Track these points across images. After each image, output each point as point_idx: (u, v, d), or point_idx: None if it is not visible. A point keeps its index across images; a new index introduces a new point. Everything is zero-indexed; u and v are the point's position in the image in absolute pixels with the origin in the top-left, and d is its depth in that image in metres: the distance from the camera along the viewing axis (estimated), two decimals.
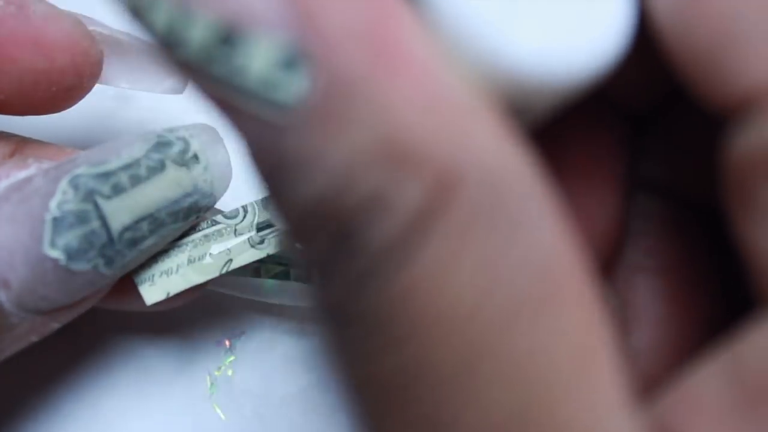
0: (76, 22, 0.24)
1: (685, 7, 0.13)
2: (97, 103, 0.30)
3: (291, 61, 0.12)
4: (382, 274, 0.12)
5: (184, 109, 0.30)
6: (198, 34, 0.12)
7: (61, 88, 0.24)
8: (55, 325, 0.23)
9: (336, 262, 0.13)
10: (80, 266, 0.22)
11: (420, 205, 0.12)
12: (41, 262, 0.21)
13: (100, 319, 0.28)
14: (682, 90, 0.14)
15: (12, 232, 0.21)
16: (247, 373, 0.29)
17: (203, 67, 0.13)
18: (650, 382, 0.18)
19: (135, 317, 0.28)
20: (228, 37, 0.12)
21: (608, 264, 0.19)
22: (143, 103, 0.31)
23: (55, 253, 0.21)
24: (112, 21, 0.25)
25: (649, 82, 0.15)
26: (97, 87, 0.29)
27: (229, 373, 0.29)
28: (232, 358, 0.29)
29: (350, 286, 0.13)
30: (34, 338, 0.23)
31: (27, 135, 0.25)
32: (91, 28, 0.25)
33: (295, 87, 0.12)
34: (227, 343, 0.29)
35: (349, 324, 0.13)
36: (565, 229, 0.13)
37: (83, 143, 0.30)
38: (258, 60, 0.12)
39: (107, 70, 0.25)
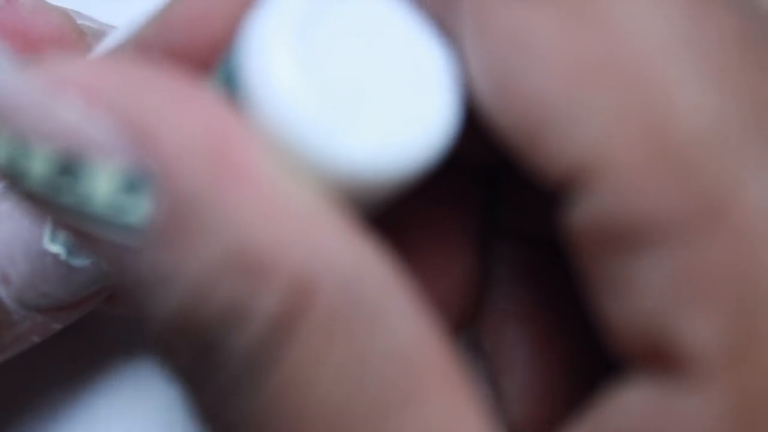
0: (65, 15, 0.24)
1: (502, 90, 0.13)
2: None
3: (134, 184, 0.12)
4: (248, 382, 0.13)
5: None
6: (38, 166, 0.13)
7: None
8: (57, 326, 0.23)
9: (203, 374, 0.13)
10: (81, 262, 0.22)
11: (277, 312, 0.12)
12: (41, 258, 0.21)
13: (99, 319, 0.28)
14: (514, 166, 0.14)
15: (12, 228, 0.21)
16: None
17: (48, 198, 0.13)
18: (523, 427, 0.18)
19: (137, 318, 0.28)
20: (69, 167, 0.12)
21: (474, 313, 0.19)
22: None
23: (56, 248, 0.21)
24: (101, 15, 0.26)
25: (491, 143, 0.14)
26: None
27: None
28: None
29: (219, 396, 0.13)
30: (36, 339, 0.23)
31: None
32: (79, 21, 0.25)
33: (141, 209, 0.12)
34: None
35: (228, 429, 0.13)
36: (427, 316, 0.13)
37: None
38: (101, 186, 0.12)
39: None
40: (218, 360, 0.13)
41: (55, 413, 0.28)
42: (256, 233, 0.12)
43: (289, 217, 0.13)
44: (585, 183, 0.13)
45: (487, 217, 0.19)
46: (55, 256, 0.22)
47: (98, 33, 0.25)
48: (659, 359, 0.13)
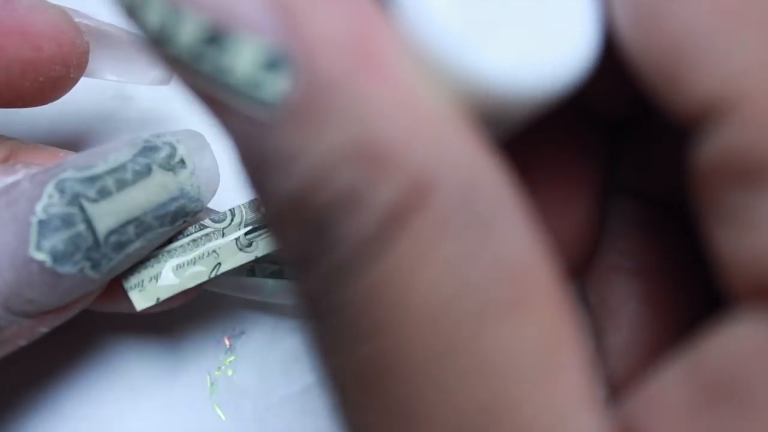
0: (63, 13, 0.24)
1: (644, 23, 0.14)
2: (97, 103, 0.30)
3: (274, 63, 0.13)
4: (357, 267, 0.13)
5: (183, 110, 0.30)
6: (188, 32, 0.13)
7: (48, 78, 0.24)
8: (43, 329, 0.23)
9: (312, 256, 0.13)
10: (66, 269, 0.22)
11: (393, 204, 0.13)
12: (27, 265, 0.22)
13: (99, 319, 0.28)
14: (648, 102, 0.15)
15: None
16: (247, 373, 0.29)
17: (191, 65, 0.13)
18: (623, 381, 0.18)
19: (134, 317, 0.28)
20: (216, 37, 0.13)
21: (584, 265, 0.19)
22: (143, 104, 0.31)
23: (41, 256, 0.22)
24: (98, 13, 0.25)
25: (624, 91, 0.15)
26: (97, 87, 0.29)
27: (229, 373, 0.29)
28: (232, 357, 0.29)
29: (326, 279, 0.13)
30: (22, 342, 0.23)
31: (26, 135, 0.26)
32: (77, 19, 0.25)
33: (277, 87, 0.13)
34: (227, 342, 0.29)
35: (326, 315, 0.14)
36: (537, 234, 0.14)
37: (83, 144, 0.30)
38: (243, 60, 0.13)
39: (93, 62, 0.25)
40: (329, 243, 0.13)
41: (54, 413, 0.28)
42: (384, 126, 0.13)
43: (418, 116, 0.13)
44: (720, 116, 0.13)
45: (609, 170, 0.19)
46: (41, 264, 0.22)
47: (96, 31, 0.25)
48: None
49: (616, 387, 0.18)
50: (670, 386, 0.14)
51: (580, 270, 0.19)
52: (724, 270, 0.14)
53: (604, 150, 0.19)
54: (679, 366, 0.14)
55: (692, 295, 0.17)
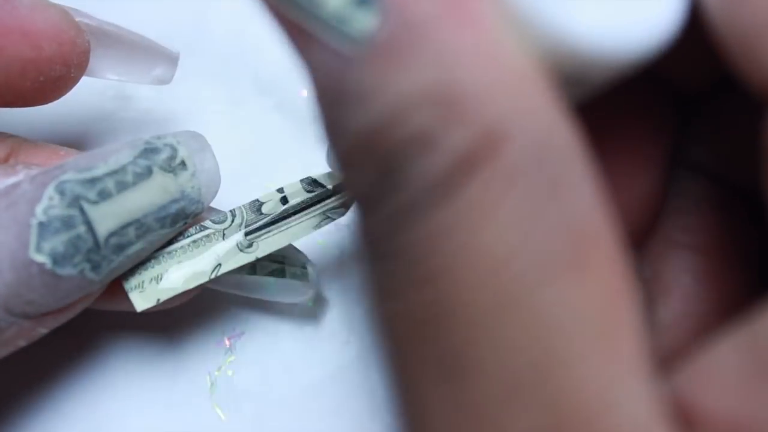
0: (63, 12, 0.24)
1: None
2: (97, 104, 0.30)
3: (364, 0, 0.13)
4: (422, 209, 0.13)
5: (183, 110, 0.30)
6: None
7: (48, 78, 0.24)
8: (43, 330, 0.23)
9: (380, 195, 0.13)
10: (66, 271, 0.22)
11: (464, 150, 0.13)
12: (27, 267, 0.22)
13: (98, 319, 0.28)
14: (729, 74, 0.15)
15: None
16: (247, 373, 0.29)
17: None
18: (672, 354, 0.18)
19: (134, 317, 0.28)
20: None
21: (644, 235, 0.19)
22: (143, 104, 0.31)
23: (41, 258, 0.22)
24: (99, 12, 0.25)
25: (700, 66, 0.15)
26: (97, 87, 0.29)
27: (229, 373, 0.29)
28: (232, 358, 0.29)
29: (391, 219, 0.13)
30: (22, 343, 0.23)
31: (27, 134, 0.25)
32: (78, 19, 0.25)
33: (365, 23, 0.13)
34: (227, 343, 0.29)
35: (387, 257, 0.14)
36: (603, 198, 0.14)
37: (83, 144, 0.30)
38: None
39: (94, 61, 0.25)
40: (397, 183, 0.13)
41: (54, 413, 0.28)
42: (465, 73, 0.13)
43: (500, 68, 0.13)
44: None
45: (678, 145, 0.19)
46: (41, 266, 0.22)
47: (96, 30, 0.25)
48: None
49: (665, 360, 0.18)
50: (724, 359, 0.14)
51: (639, 241, 0.19)
52: None
53: (674, 123, 0.19)
54: (734, 340, 0.14)
55: (747, 278, 0.18)
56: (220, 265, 0.24)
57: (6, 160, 0.24)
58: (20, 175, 0.23)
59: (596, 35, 0.14)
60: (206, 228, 0.25)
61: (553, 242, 0.13)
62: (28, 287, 0.22)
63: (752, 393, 0.13)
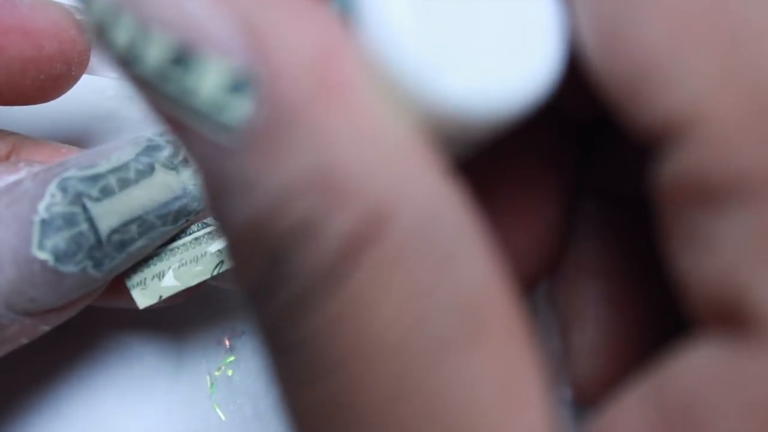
0: (64, 10, 0.24)
1: (607, 40, 0.14)
2: (97, 103, 0.30)
3: (239, 85, 0.13)
4: (313, 300, 0.13)
5: None
6: (154, 52, 0.13)
7: (49, 76, 0.24)
8: (45, 328, 0.23)
9: (268, 289, 0.13)
10: (69, 268, 0.22)
11: (349, 235, 0.12)
12: (29, 264, 0.22)
13: (99, 319, 0.28)
14: (612, 119, 0.14)
15: (0, 234, 0.21)
16: (247, 373, 0.29)
17: (157, 85, 0.13)
18: (588, 381, 0.18)
19: (134, 317, 0.28)
20: (182, 58, 0.13)
21: (553, 265, 0.19)
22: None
23: (43, 255, 0.22)
24: None
25: (590, 95, 0.15)
26: (98, 87, 0.29)
27: (229, 373, 0.29)
28: (232, 358, 0.29)
29: (282, 314, 0.13)
30: (24, 340, 0.23)
31: (28, 133, 0.26)
32: (78, 17, 0.25)
33: (241, 110, 0.13)
34: (227, 342, 0.29)
35: (283, 352, 0.13)
36: (496, 264, 0.13)
37: (85, 142, 0.30)
38: (208, 82, 0.13)
39: (95, 60, 0.25)
40: (285, 275, 0.13)
41: (54, 413, 0.28)
42: (343, 154, 0.12)
43: (379, 144, 0.13)
44: (681, 136, 0.13)
45: (576, 173, 0.19)
46: (43, 263, 0.22)
47: None
48: (732, 319, 0.13)
49: (581, 388, 0.18)
50: (631, 411, 0.14)
51: (549, 270, 0.19)
52: (685, 290, 0.14)
53: (572, 150, 0.19)
54: (640, 391, 0.14)
55: (658, 299, 0.17)
56: (222, 262, 0.24)
57: (8, 157, 0.24)
58: (22, 173, 0.23)
59: (472, 97, 0.13)
60: (208, 225, 0.25)
61: (445, 321, 0.13)
62: (30, 284, 0.22)
63: None
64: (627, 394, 0.14)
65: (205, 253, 0.24)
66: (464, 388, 0.13)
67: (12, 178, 0.23)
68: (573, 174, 0.19)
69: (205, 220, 0.25)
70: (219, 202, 0.13)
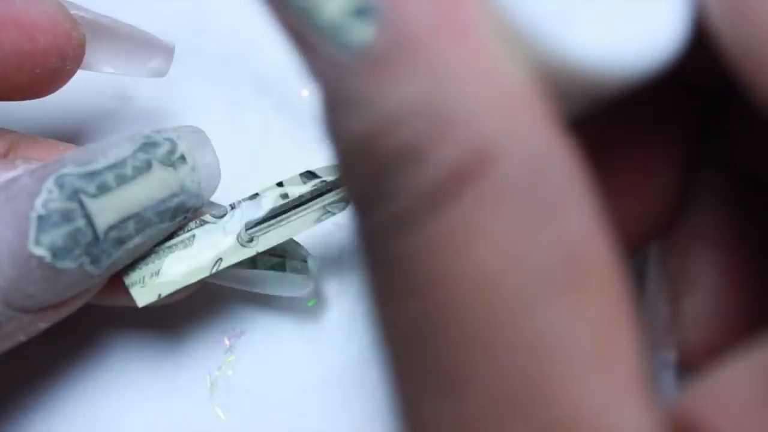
0: (58, 4, 0.24)
1: (736, 11, 0.14)
2: (97, 103, 0.30)
3: (363, 10, 0.13)
4: (414, 220, 0.13)
5: (183, 110, 0.30)
6: None
7: (44, 70, 0.24)
8: (43, 325, 0.23)
9: (374, 199, 0.14)
10: (66, 264, 0.22)
11: (453, 165, 0.13)
12: (26, 260, 0.21)
13: (98, 318, 0.28)
14: (740, 92, 0.15)
15: None
16: (247, 373, 0.29)
17: (284, 1, 0.14)
18: (695, 348, 0.19)
19: (134, 315, 0.28)
20: None
21: (667, 229, 0.19)
22: (143, 103, 0.31)
23: (40, 251, 0.21)
24: (95, 5, 0.25)
25: (717, 64, 0.15)
26: (97, 86, 0.29)
27: (229, 373, 0.29)
28: (232, 358, 0.29)
29: (383, 227, 0.13)
30: (22, 338, 0.23)
31: (26, 131, 0.26)
32: (73, 12, 0.25)
33: (362, 34, 0.13)
34: (227, 342, 0.29)
35: (380, 265, 0.14)
36: (601, 222, 0.13)
37: (82, 140, 0.30)
38: (333, 3, 0.13)
39: (90, 54, 0.25)
40: (388, 191, 0.13)
41: (54, 413, 0.28)
42: (457, 89, 0.13)
43: (493, 85, 0.13)
44: None
45: (700, 141, 0.19)
46: (40, 259, 0.22)
47: (92, 23, 0.25)
48: None
49: (688, 353, 0.19)
50: (737, 381, 0.14)
51: (660, 235, 0.19)
52: None
53: (695, 120, 0.19)
54: (748, 361, 0.14)
55: None
56: (220, 259, 0.24)
57: (5, 155, 0.24)
58: (19, 170, 0.23)
59: (596, 52, 0.13)
60: (206, 222, 0.25)
61: (548, 263, 0.13)
62: (27, 281, 0.22)
63: (762, 418, 0.13)
64: (737, 362, 0.14)
65: (204, 250, 0.24)
66: (558, 330, 0.13)
67: (9, 175, 0.23)
68: (693, 144, 0.19)
69: (203, 218, 0.25)
70: (333, 115, 0.14)
